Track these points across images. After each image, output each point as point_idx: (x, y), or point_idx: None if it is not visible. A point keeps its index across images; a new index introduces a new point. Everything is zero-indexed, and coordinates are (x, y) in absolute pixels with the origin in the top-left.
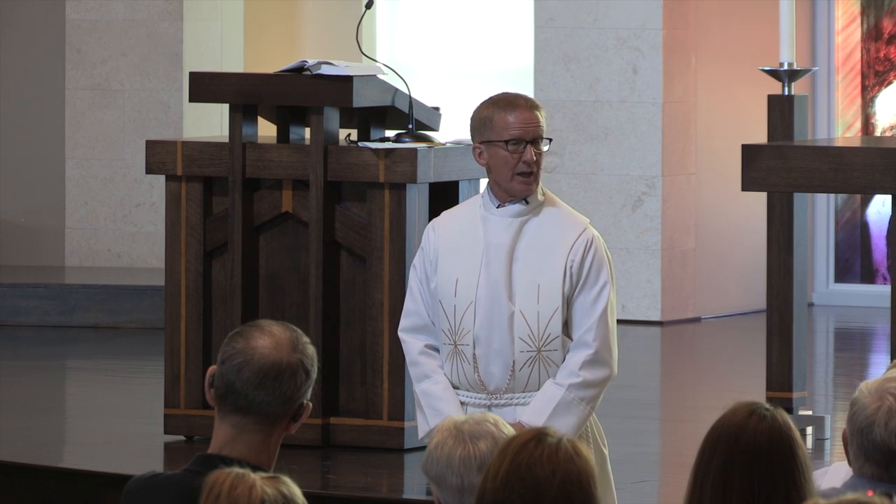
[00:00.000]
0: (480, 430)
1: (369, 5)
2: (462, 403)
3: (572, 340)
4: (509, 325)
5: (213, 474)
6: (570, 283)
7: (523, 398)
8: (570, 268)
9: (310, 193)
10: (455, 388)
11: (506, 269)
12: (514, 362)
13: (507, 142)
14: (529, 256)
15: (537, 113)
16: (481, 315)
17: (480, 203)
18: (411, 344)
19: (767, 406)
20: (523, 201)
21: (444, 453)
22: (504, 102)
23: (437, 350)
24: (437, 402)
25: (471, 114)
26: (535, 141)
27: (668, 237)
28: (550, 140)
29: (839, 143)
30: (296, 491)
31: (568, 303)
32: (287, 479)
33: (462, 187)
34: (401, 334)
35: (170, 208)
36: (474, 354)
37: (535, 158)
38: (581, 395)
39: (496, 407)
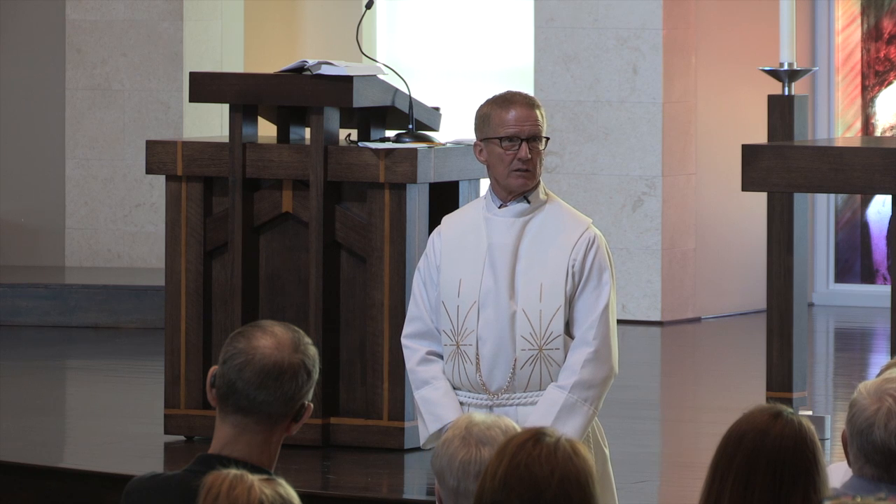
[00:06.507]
0: (488, 435)
1: (369, 5)
2: (462, 404)
3: (573, 339)
4: (511, 324)
5: (211, 475)
6: (573, 282)
7: (524, 398)
8: (573, 267)
9: (310, 193)
10: (456, 389)
11: (509, 268)
12: (515, 361)
13: (502, 139)
14: (532, 256)
15: (535, 111)
16: (484, 314)
17: (483, 204)
18: (413, 350)
19: (791, 410)
20: (525, 201)
21: (448, 452)
22: (502, 100)
23: (439, 356)
24: (436, 408)
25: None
26: (532, 138)
27: (668, 237)
28: (548, 139)
29: (839, 144)
30: (292, 493)
31: (570, 302)
32: (283, 482)
33: (462, 187)
34: (403, 340)
35: (170, 208)
36: (477, 354)
37: (530, 156)
38: (584, 395)
39: (497, 407)
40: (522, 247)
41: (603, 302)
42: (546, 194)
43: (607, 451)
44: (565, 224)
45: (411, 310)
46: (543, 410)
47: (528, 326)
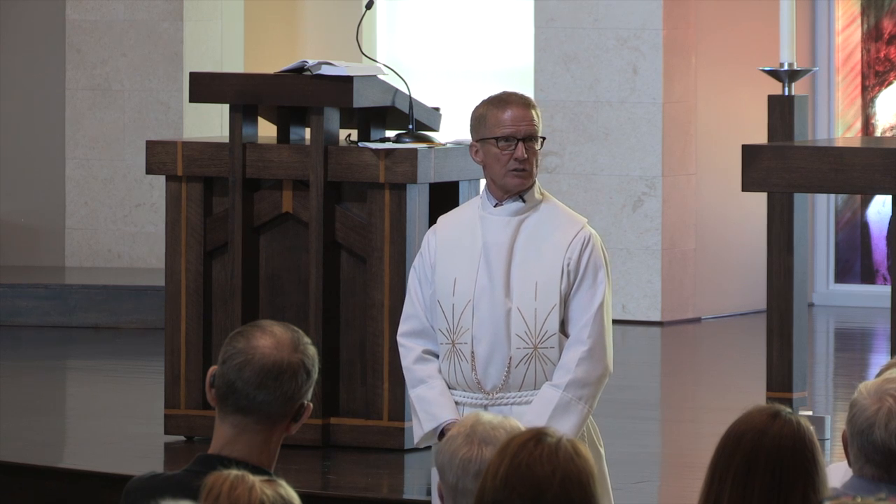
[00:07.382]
0: (492, 435)
1: (369, 5)
2: (458, 404)
3: (568, 338)
4: (506, 323)
5: (212, 475)
6: (568, 280)
7: (519, 397)
8: (568, 265)
9: (310, 193)
10: (451, 388)
11: (504, 266)
12: (510, 360)
13: (497, 139)
14: (527, 254)
15: (530, 111)
16: (479, 313)
17: (479, 203)
18: (409, 349)
19: (790, 410)
20: (520, 199)
21: (450, 449)
22: (497, 100)
23: (435, 355)
24: (431, 407)
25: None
26: (528, 138)
27: (669, 237)
28: (544, 139)
29: (839, 144)
30: (293, 494)
31: (565, 301)
32: (283, 483)
33: (462, 187)
34: (399, 339)
35: (170, 208)
36: (472, 353)
37: (526, 155)
38: (578, 393)
39: (493, 406)
40: (517, 245)
41: (598, 301)
42: (541, 194)
43: (602, 451)
44: (561, 223)
45: (407, 308)
46: (538, 409)
47: (523, 325)
